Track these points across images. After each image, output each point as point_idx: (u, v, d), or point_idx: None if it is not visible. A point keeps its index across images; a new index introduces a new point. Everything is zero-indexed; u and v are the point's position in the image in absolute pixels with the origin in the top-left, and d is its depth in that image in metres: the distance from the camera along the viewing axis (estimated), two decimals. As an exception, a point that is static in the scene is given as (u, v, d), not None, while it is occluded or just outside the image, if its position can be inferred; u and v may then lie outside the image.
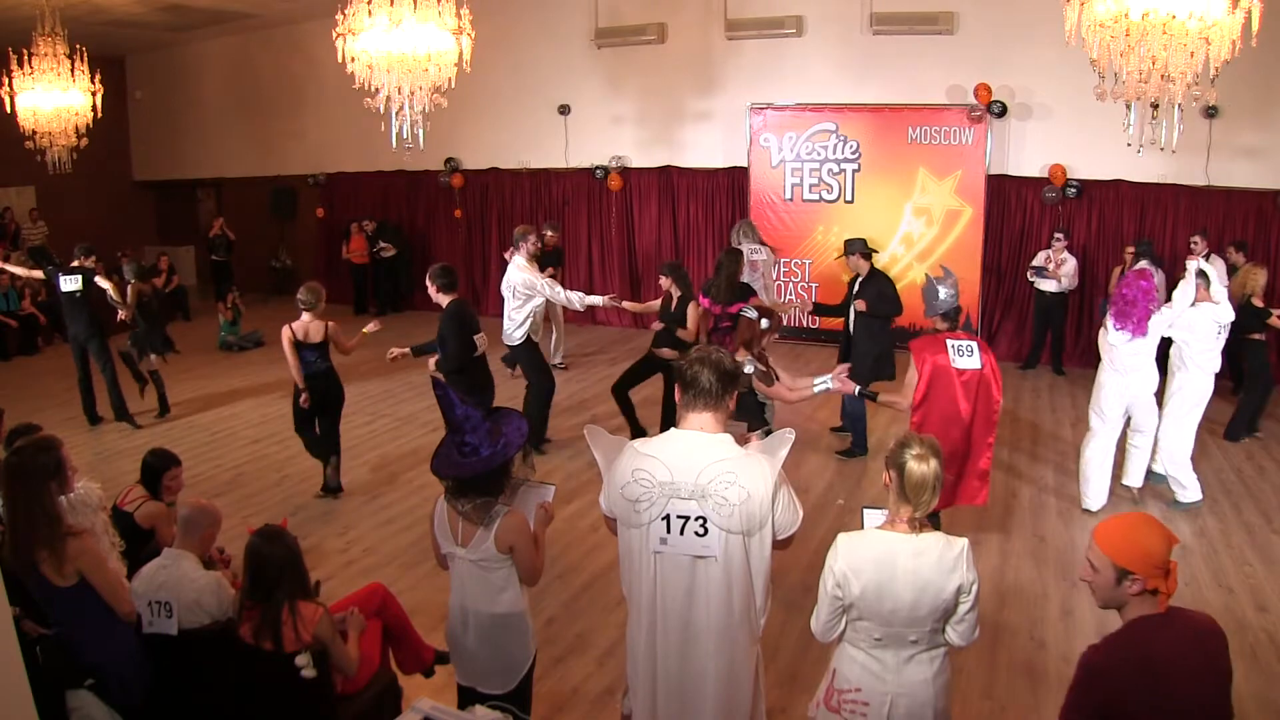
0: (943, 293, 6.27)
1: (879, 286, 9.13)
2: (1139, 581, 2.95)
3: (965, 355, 6.39)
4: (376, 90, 9.01)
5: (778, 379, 6.45)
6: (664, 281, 9.25)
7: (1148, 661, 2.89)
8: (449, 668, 4.45)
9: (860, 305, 9.09)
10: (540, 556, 4.17)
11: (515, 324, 9.34)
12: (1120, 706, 2.89)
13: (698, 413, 3.52)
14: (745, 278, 9.66)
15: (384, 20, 8.52)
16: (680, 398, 3.56)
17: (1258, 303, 9.69)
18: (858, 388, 6.43)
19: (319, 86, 17.31)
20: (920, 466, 3.38)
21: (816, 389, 6.31)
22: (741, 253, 9.92)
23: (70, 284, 10.43)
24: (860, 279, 9.22)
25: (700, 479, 3.38)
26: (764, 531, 3.43)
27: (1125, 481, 8.22)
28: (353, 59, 8.82)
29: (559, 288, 9.58)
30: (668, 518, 3.41)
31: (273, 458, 9.40)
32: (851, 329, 9.34)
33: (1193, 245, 11.63)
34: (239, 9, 16.58)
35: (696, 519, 3.39)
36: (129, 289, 10.76)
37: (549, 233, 12.65)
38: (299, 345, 8.22)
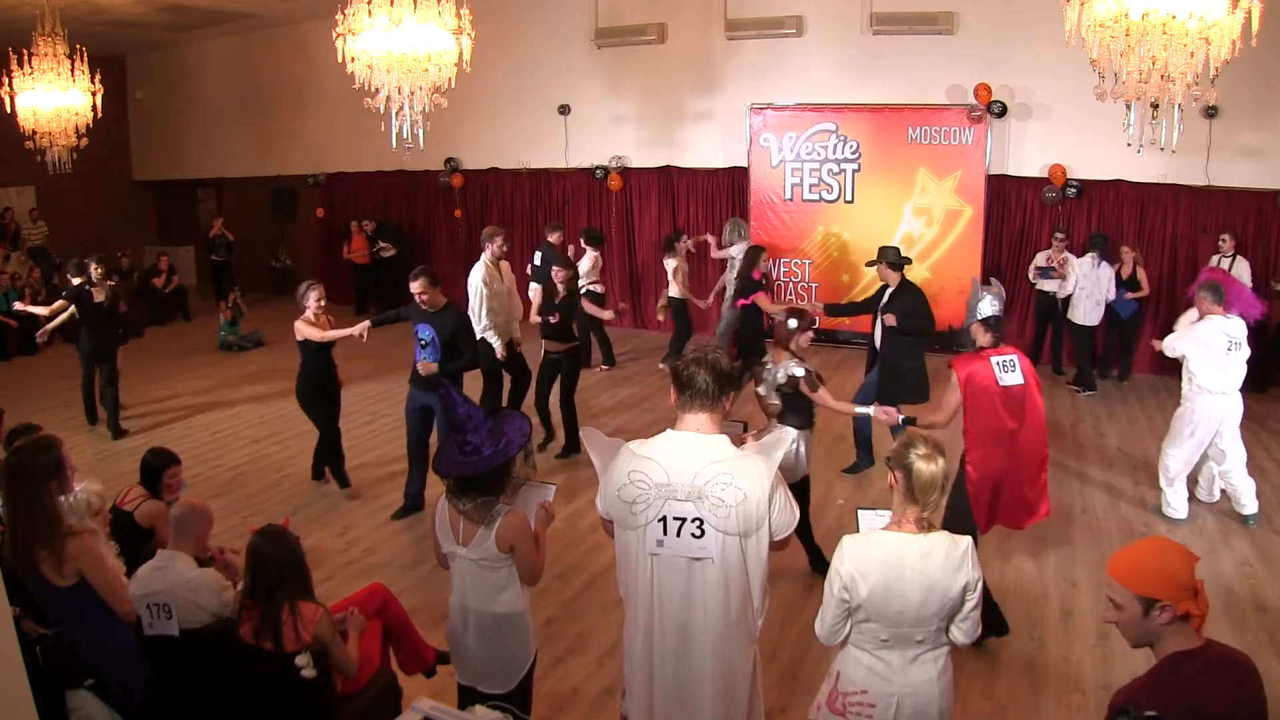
0: (987, 303, 6.20)
1: (910, 301, 8.66)
2: (1168, 608, 2.77)
3: (1009, 371, 6.13)
4: (376, 90, 9.01)
5: (822, 383, 6.38)
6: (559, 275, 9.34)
7: (1198, 704, 2.71)
8: (450, 668, 4.44)
9: (890, 320, 8.59)
10: (541, 556, 4.18)
11: (477, 322, 9.19)
12: None
13: (694, 414, 3.51)
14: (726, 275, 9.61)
15: (384, 20, 8.53)
16: (676, 398, 3.55)
17: None
18: (901, 418, 6.29)
19: (319, 86, 17.33)
20: (929, 466, 3.38)
21: (859, 411, 6.51)
22: (761, 250, 9.88)
23: (99, 296, 10.37)
24: (889, 290, 8.82)
25: (697, 480, 3.38)
26: (761, 533, 3.43)
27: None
28: (353, 59, 8.82)
29: (482, 308, 9.32)
30: (664, 519, 3.41)
31: (273, 458, 9.41)
32: (879, 343, 8.88)
33: (1220, 244, 11.68)
34: (239, 9, 16.59)
35: (693, 520, 3.39)
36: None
37: (552, 235, 12.45)
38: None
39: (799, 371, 6.24)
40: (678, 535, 3.41)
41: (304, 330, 8.02)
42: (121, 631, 4.28)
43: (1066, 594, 6.65)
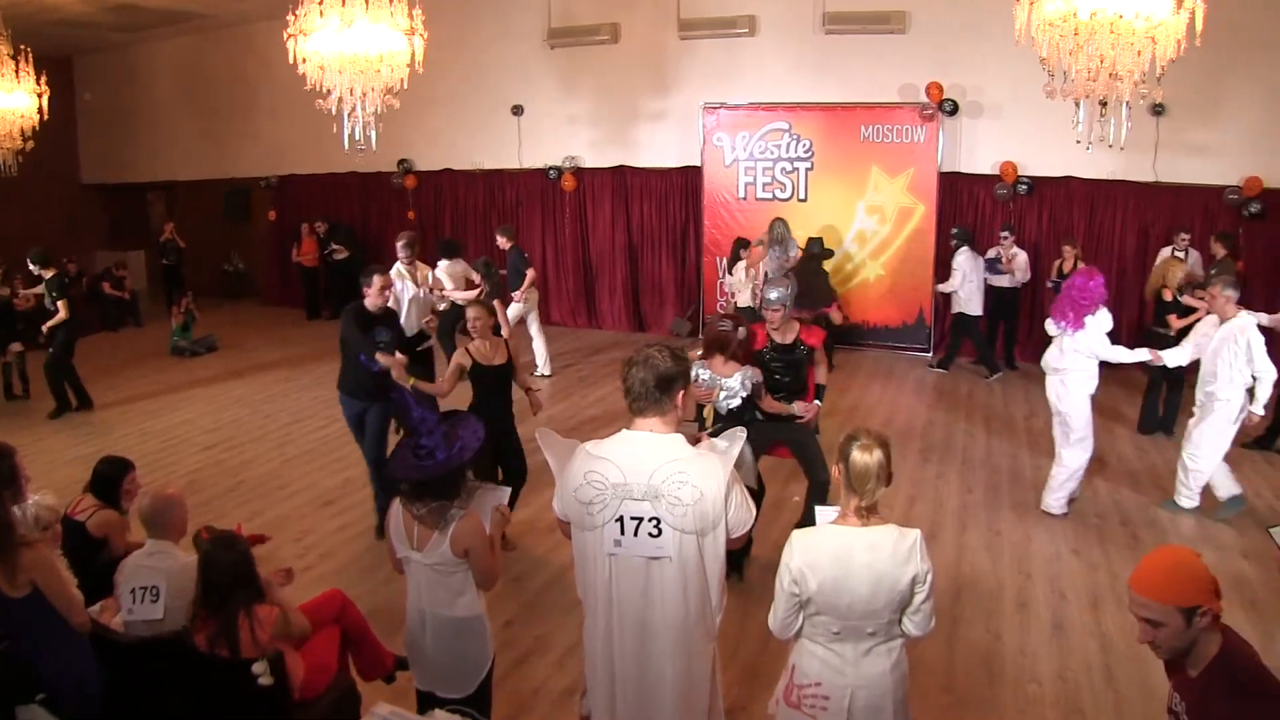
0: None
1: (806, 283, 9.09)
2: (1208, 612, 2.77)
3: None
4: (328, 91, 8.96)
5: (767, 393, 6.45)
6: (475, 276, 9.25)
7: (1265, 679, 2.76)
8: (409, 673, 4.42)
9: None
10: (497, 560, 4.16)
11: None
12: None
13: (644, 417, 3.51)
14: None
15: (336, 21, 8.48)
16: (626, 401, 3.55)
17: (1167, 296, 9.77)
18: (817, 403, 6.53)
19: (271, 88, 17.17)
20: (864, 456, 3.40)
21: (794, 410, 6.49)
22: (746, 243, 9.82)
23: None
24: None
25: (653, 479, 3.38)
26: (717, 531, 3.43)
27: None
28: (304, 60, 8.76)
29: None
30: (621, 519, 3.41)
31: (227, 464, 9.30)
32: None
33: (1179, 239, 11.86)
34: (190, 9, 16.44)
35: (650, 520, 3.38)
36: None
37: (500, 238, 12.44)
38: None
39: (759, 378, 6.26)
40: (635, 535, 3.40)
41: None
42: (75, 643, 4.21)
43: (1022, 586, 6.71)
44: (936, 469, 9.01)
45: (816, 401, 6.71)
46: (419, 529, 4.01)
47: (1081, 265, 12.02)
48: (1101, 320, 7.52)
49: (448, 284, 10.27)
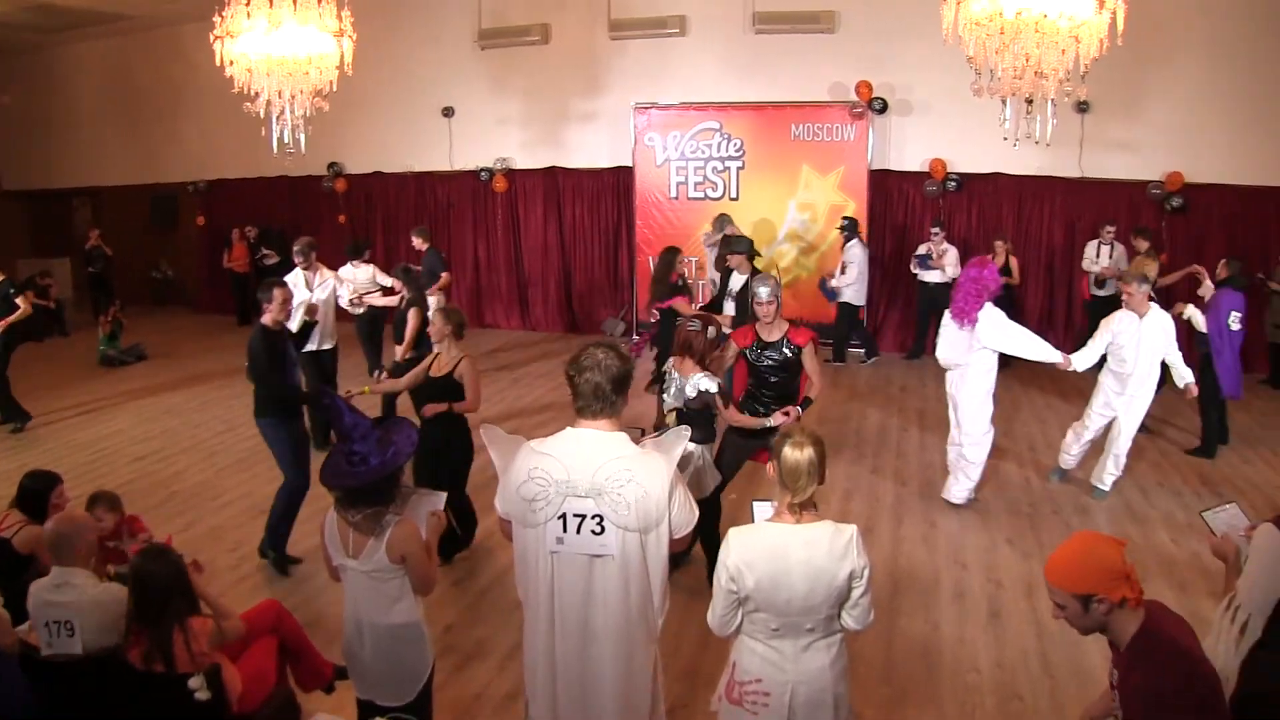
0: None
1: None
2: (1105, 601, 2.94)
3: None
4: (256, 94, 8.85)
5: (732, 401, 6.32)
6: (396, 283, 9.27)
7: (1189, 654, 2.93)
8: (349, 682, 4.37)
9: (730, 310, 9.02)
10: (433, 565, 4.13)
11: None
12: (1197, 712, 2.86)
13: (591, 417, 3.51)
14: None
15: (263, 22, 8.38)
16: (573, 401, 3.55)
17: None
18: (798, 410, 6.40)
19: (198, 91, 16.89)
20: (795, 453, 3.43)
21: (768, 424, 6.28)
22: (676, 251, 9.83)
23: None
24: (743, 278, 9.16)
25: (597, 477, 3.38)
26: (660, 529, 3.44)
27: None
28: (231, 62, 8.66)
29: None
30: (564, 516, 3.40)
31: (159, 475, 9.13)
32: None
33: (1105, 233, 12.12)
34: (112, 10, 16.16)
35: (593, 517, 3.38)
36: None
37: (415, 239, 12.42)
38: None
39: (712, 387, 6.11)
40: (578, 532, 3.40)
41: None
42: (4, 663, 4.11)
43: (958, 577, 6.80)
44: (871, 464, 9.10)
45: (797, 408, 6.47)
46: (354, 536, 3.97)
47: (999, 261, 12.29)
48: (994, 312, 7.62)
49: (349, 286, 10.14)
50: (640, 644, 3.56)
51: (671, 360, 6.40)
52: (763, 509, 3.78)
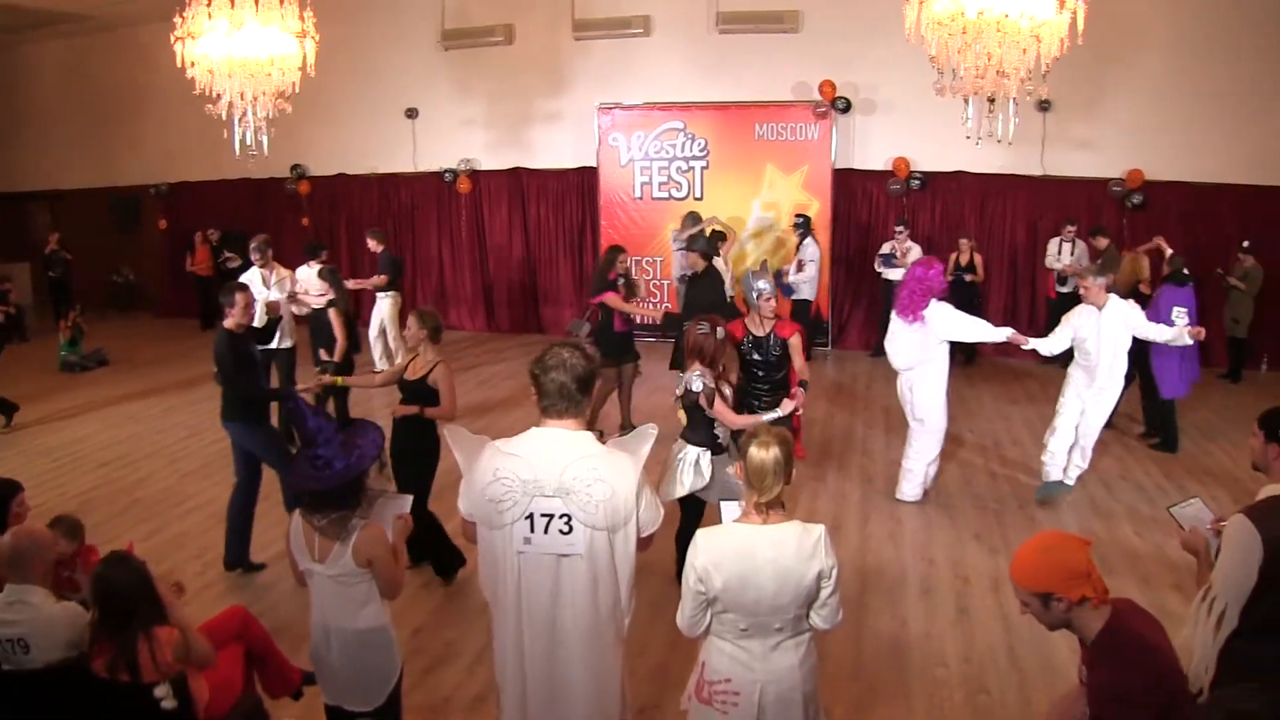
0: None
1: (699, 285, 9.22)
2: (1063, 600, 3.04)
3: None
4: (218, 96, 8.79)
5: (725, 398, 6.19)
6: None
7: (1154, 651, 3.02)
8: (317, 688, 4.34)
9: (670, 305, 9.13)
10: (400, 569, 4.11)
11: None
12: (1161, 708, 2.94)
13: (556, 417, 3.51)
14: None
15: (225, 23, 8.32)
16: (538, 401, 3.54)
17: (1145, 290, 10.10)
18: (801, 390, 6.43)
19: (159, 92, 16.68)
20: (761, 453, 3.43)
21: (767, 420, 6.04)
22: (620, 250, 9.84)
23: None
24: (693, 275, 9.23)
25: (564, 476, 3.38)
26: (628, 528, 3.45)
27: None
28: (193, 63, 8.60)
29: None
30: (531, 516, 3.40)
31: (122, 481, 9.03)
32: None
33: (1066, 230, 12.24)
34: (71, 10, 15.99)
35: (561, 517, 3.38)
36: None
37: (370, 241, 12.40)
38: None
39: (696, 386, 6.03)
40: (545, 532, 3.40)
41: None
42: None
43: (925, 573, 6.84)
44: (837, 462, 9.13)
45: (799, 388, 6.53)
46: (320, 540, 3.94)
47: (965, 259, 12.40)
48: (940, 308, 7.70)
49: (312, 288, 10.09)
50: (609, 643, 3.57)
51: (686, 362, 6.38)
52: (730, 509, 3.79)
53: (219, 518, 7.85)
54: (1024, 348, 8.00)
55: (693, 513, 6.20)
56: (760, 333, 6.82)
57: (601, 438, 3.80)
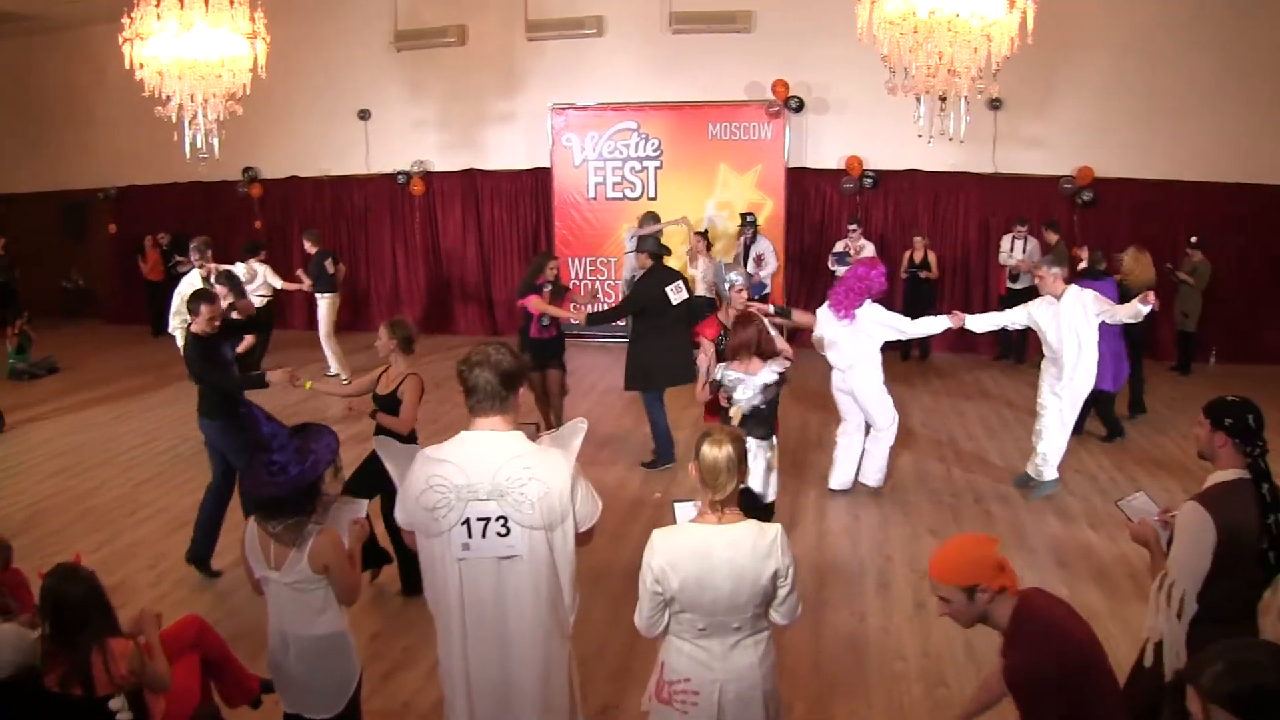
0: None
1: (638, 284, 9.23)
2: (988, 590, 3.26)
3: None
4: (168, 98, 8.70)
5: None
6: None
7: (1063, 630, 3.23)
8: (276, 696, 4.30)
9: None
10: (356, 574, 4.09)
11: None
12: (1072, 680, 3.15)
13: (485, 416, 3.50)
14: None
15: (174, 24, 8.24)
16: (466, 401, 3.53)
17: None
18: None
19: (108, 94, 16.44)
20: (714, 451, 3.42)
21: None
22: (549, 256, 9.82)
23: None
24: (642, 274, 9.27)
25: (497, 478, 3.38)
26: (566, 525, 3.46)
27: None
28: (141, 65, 8.51)
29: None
30: (468, 521, 3.39)
31: (74, 490, 8.88)
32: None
33: (1018, 229, 12.53)
34: (14, 10, 15.73)
35: (497, 519, 3.38)
36: None
37: (305, 242, 12.52)
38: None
39: (772, 378, 6.24)
40: (483, 536, 3.39)
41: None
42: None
43: (883, 568, 6.89)
44: (793, 459, 9.15)
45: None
46: (275, 547, 3.90)
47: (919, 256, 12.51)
48: (872, 310, 7.83)
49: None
50: (555, 644, 3.58)
51: (724, 365, 6.42)
52: (684, 509, 3.79)
53: (173, 525, 7.81)
54: (959, 325, 8.09)
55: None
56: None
57: (538, 431, 3.80)
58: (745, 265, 12.77)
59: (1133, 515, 4.20)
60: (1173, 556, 3.75)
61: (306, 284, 12.12)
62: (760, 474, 6.35)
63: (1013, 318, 8.17)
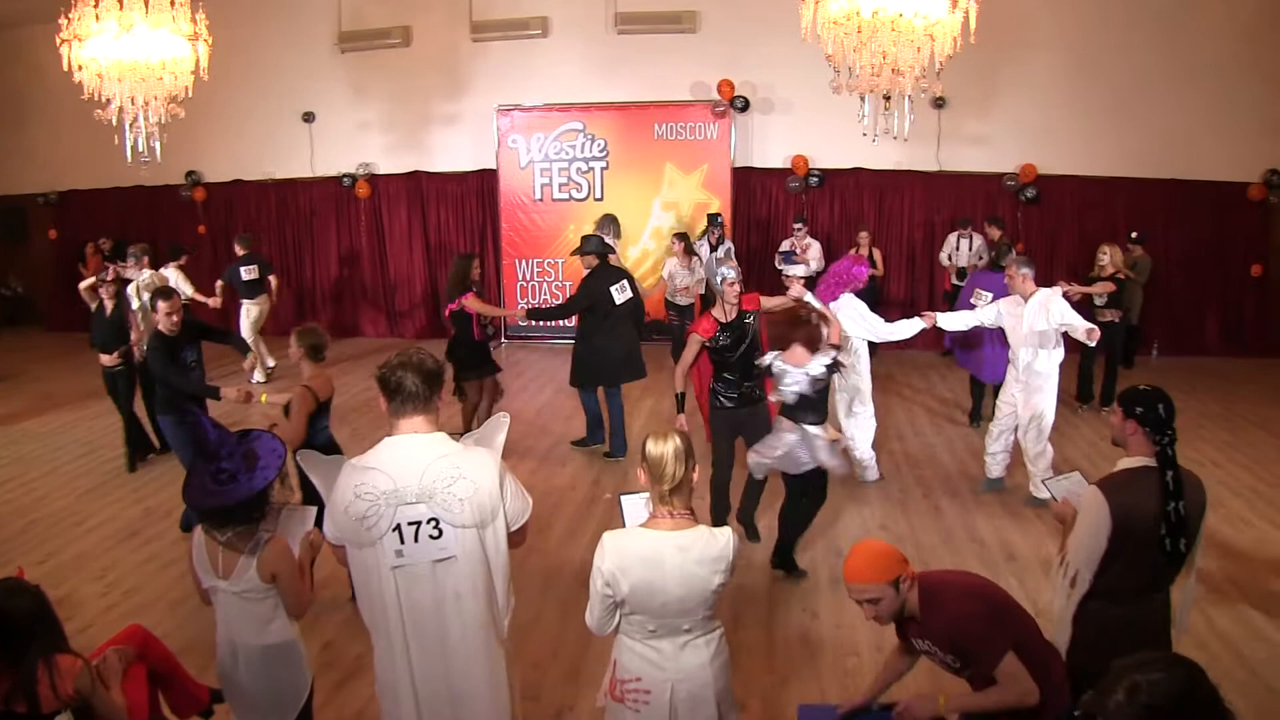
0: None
1: (583, 283, 9.30)
2: (908, 578, 3.65)
3: None
4: (108, 101, 8.58)
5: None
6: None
7: (958, 581, 3.83)
8: (227, 706, 4.25)
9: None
10: (307, 586, 4.05)
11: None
12: (1001, 609, 3.70)
13: (408, 418, 3.49)
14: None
15: (113, 25, 8.11)
16: (387, 406, 3.51)
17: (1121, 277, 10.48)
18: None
19: (46, 97, 16.14)
20: (657, 447, 3.43)
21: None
22: (471, 257, 9.80)
23: None
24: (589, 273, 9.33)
25: (424, 479, 3.37)
26: (497, 523, 3.47)
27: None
28: (80, 67, 8.38)
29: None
30: (399, 527, 3.37)
31: (17, 502, 8.70)
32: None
33: (963, 229, 12.66)
34: (-52, 12, 15.43)
35: (429, 521, 3.37)
36: None
37: (236, 245, 12.63)
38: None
39: (821, 369, 6.37)
40: (416, 540, 3.38)
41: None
42: None
43: (834, 565, 6.88)
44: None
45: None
46: (224, 556, 3.86)
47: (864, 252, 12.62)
48: (850, 302, 8.00)
49: (180, 290, 10.03)
50: (495, 644, 3.59)
51: (774, 355, 6.49)
52: (631, 503, 3.80)
53: (122, 535, 7.73)
54: (932, 324, 8.21)
55: (818, 494, 6.67)
56: (728, 318, 6.85)
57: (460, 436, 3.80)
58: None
59: (1059, 494, 4.36)
60: (1071, 537, 3.93)
61: (214, 302, 12.00)
62: (825, 451, 6.45)
63: (984, 316, 8.16)
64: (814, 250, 13.00)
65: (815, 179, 14.02)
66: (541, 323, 12.76)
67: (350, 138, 15.64)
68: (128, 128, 8.80)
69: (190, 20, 8.55)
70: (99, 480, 8.93)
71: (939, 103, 12.67)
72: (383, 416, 3.57)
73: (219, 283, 12.50)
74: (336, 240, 16.24)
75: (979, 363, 9.51)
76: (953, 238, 12.93)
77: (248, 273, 12.45)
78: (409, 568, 3.41)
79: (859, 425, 8.43)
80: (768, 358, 6.52)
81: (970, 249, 12.66)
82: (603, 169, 14.52)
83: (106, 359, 9.19)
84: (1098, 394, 10.65)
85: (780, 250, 13.34)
